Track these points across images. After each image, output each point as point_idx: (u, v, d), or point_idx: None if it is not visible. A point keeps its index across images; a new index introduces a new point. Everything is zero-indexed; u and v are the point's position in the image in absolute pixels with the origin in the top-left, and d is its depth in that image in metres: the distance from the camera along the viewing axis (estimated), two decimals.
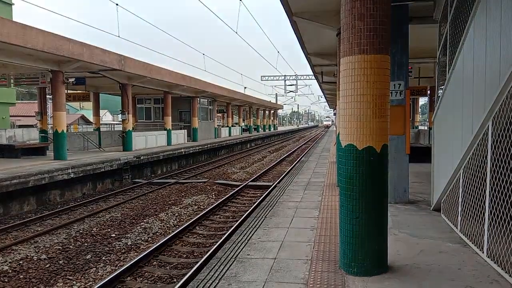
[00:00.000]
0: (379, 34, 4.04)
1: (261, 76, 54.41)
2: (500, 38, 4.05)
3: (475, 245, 4.94)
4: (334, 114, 42.03)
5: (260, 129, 52.24)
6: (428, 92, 21.49)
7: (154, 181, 15.67)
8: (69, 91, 20.72)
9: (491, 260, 4.43)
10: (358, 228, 4.19)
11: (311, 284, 4.03)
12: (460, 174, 5.68)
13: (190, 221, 9.01)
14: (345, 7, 4.20)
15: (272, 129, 60.59)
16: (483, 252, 4.64)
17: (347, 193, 4.26)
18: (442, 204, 6.74)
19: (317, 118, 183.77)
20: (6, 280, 6.17)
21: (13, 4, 29.87)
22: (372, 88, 4.07)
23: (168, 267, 6.66)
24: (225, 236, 7.77)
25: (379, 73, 4.07)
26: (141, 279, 6.18)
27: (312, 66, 17.67)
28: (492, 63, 4.29)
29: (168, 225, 9.21)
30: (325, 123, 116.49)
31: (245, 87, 48.70)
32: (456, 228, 5.74)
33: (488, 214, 4.51)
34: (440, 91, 7.14)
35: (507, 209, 4.05)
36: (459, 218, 5.61)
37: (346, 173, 4.27)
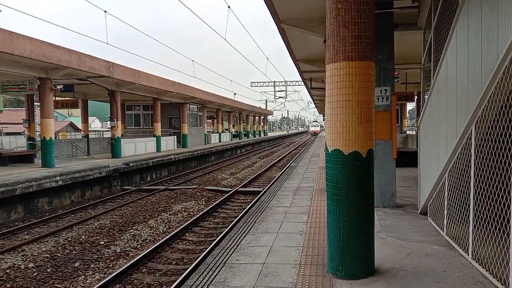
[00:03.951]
0: (363, 41, 4.12)
1: (251, 82, 54.47)
2: (481, 44, 4.16)
3: (460, 248, 5.02)
4: (324, 120, 42.14)
5: (250, 135, 52.28)
6: (415, 97, 21.76)
7: (144, 187, 15.60)
8: (57, 98, 20.59)
9: (476, 262, 4.50)
10: (345, 232, 4.24)
11: None
12: (445, 178, 5.78)
13: (180, 228, 9.00)
14: (330, 15, 4.27)
15: (262, 135, 60.67)
16: (468, 254, 4.72)
17: (334, 198, 4.32)
18: (428, 208, 6.84)
19: (306, 124, 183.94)
20: None
21: (0, 11, 29.65)
22: (357, 94, 4.14)
23: (157, 274, 6.65)
24: (214, 242, 7.78)
25: (364, 79, 4.15)
26: (130, 286, 6.16)
27: (301, 72, 17.81)
28: (474, 68, 4.39)
29: (157, 232, 9.19)
30: (312, 129, 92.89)
31: (235, 93, 48.70)
32: (442, 231, 5.83)
33: (473, 217, 4.59)
34: (425, 96, 7.26)
35: (490, 212, 4.14)
36: (445, 221, 5.70)
37: (333, 177, 4.32)
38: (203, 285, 4.28)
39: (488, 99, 4.05)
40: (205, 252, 7.14)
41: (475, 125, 4.48)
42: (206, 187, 15.15)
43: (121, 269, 6.48)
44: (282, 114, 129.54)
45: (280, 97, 59.78)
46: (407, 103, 27.44)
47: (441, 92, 5.85)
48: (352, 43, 4.10)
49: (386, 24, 7.48)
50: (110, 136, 20.16)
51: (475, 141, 4.53)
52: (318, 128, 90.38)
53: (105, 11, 16.05)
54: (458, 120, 4.98)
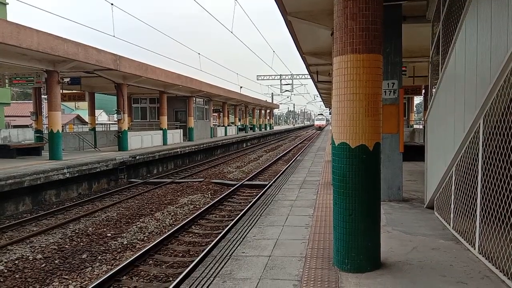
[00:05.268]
0: (371, 33, 4.09)
1: (257, 76, 54.40)
2: (491, 37, 4.11)
3: (467, 242, 5.00)
4: (330, 113, 41.79)
5: (256, 128, 52.25)
6: (423, 91, 21.60)
7: (150, 180, 15.68)
8: (64, 91, 20.69)
9: (483, 256, 4.49)
10: (351, 225, 4.23)
11: (305, 281, 4.08)
12: (452, 172, 5.75)
13: (186, 221, 9.04)
14: (338, 7, 4.24)
15: (268, 128, 60.64)
16: (474, 249, 4.71)
17: (340, 191, 4.31)
18: (435, 202, 6.81)
19: (312, 118, 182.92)
20: (1, 280, 6.18)
21: (8, 3, 29.74)
22: (365, 87, 4.12)
23: (164, 266, 6.70)
24: (221, 235, 7.81)
25: (371, 72, 4.12)
26: (137, 278, 6.21)
27: (307, 66, 17.72)
28: (483, 61, 4.34)
29: (164, 225, 9.24)
30: (317, 122, 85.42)
31: (241, 87, 48.59)
32: (449, 225, 5.80)
33: (480, 211, 4.57)
34: (433, 90, 7.20)
35: (497, 206, 4.11)
36: (452, 215, 5.68)
37: (340, 171, 4.32)
38: (210, 277, 4.30)
39: (497, 93, 4.01)
40: (211, 245, 7.17)
41: (483, 119, 4.44)
42: (212, 180, 15.19)
43: (128, 261, 6.53)
44: (288, 108, 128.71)
45: (286, 91, 59.67)
46: (415, 96, 27.26)
47: (449, 86, 5.80)
48: (360, 35, 4.07)
49: (394, 17, 7.41)
50: (116, 129, 20.24)
51: (483, 135, 4.49)
52: (323, 122, 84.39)
53: (112, 4, 16.05)
54: (466, 113, 4.94)
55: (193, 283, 4.21)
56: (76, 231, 8.74)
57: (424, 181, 7.60)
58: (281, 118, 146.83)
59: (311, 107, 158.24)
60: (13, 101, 45.61)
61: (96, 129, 24.10)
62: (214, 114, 42.25)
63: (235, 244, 5.45)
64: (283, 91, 59.12)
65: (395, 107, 7.56)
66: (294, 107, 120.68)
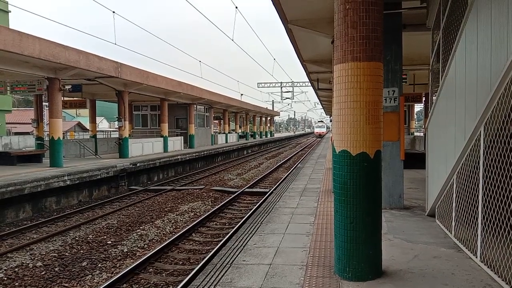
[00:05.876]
0: (371, 41, 4.10)
1: (258, 83, 54.53)
2: (491, 45, 4.13)
3: (468, 250, 4.98)
4: (331, 121, 41.71)
5: (257, 135, 52.25)
6: (423, 98, 21.62)
7: (151, 188, 15.66)
8: (65, 98, 20.75)
9: (485, 264, 4.46)
10: (353, 234, 4.22)
11: None
12: (453, 179, 5.73)
13: (186, 228, 9.02)
14: (338, 15, 4.26)
15: (269, 135, 60.64)
16: (476, 257, 4.68)
17: (341, 199, 4.30)
18: (436, 210, 6.79)
19: (313, 125, 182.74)
20: None
21: (10, 11, 29.93)
22: (365, 95, 4.13)
23: (164, 274, 6.66)
24: (221, 242, 7.78)
25: (372, 80, 4.13)
26: (137, 286, 6.18)
27: (308, 73, 17.77)
28: (483, 69, 4.35)
29: (164, 232, 9.21)
30: (317, 130, 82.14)
31: (241, 94, 48.73)
32: (450, 233, 5.78)
33: (481, 219, 4.55)
34: (434, 97, 7.22)
35: (499, 214, 4.10)
36: (453, 223, 5.66)
37: (341, 179, 4.31)
38: (210, 285, 4.28)
39: (497, 100, 4.02)
40: (211, 253, 7.14)
41: (484, 127, 4.44)
42: (213, 188, 15.17)
43: (128, 268, 6.51)
44: (288, 115, 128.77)
45: (287, 98, 59.75)
46: (415, 104, 27.28)
47: (450, 93, 5.81)
48: (361, 43, 4.09)
49: (394, 25, 7.45)
50: (117, 136, 20.27)
51: (484, 143, 4.49)
52: (324, 130, 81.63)
53: (114, 12, 16.15)
54: (467, 121, 4.94)
55: None
56: (76, 238, 8.72)
57: (425, 188, 7.59)
58: (282, 126, 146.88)
59: (311, 114, 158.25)
60: (15, 108, 45.73)
61: (97, 136, 24.13)
62: (215, 121, 42.26)
63: (236, 252, 5.43)
64: (283, 98, 59.22)
65: (395, 114, 7.57)
66: (294, 115, 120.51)
